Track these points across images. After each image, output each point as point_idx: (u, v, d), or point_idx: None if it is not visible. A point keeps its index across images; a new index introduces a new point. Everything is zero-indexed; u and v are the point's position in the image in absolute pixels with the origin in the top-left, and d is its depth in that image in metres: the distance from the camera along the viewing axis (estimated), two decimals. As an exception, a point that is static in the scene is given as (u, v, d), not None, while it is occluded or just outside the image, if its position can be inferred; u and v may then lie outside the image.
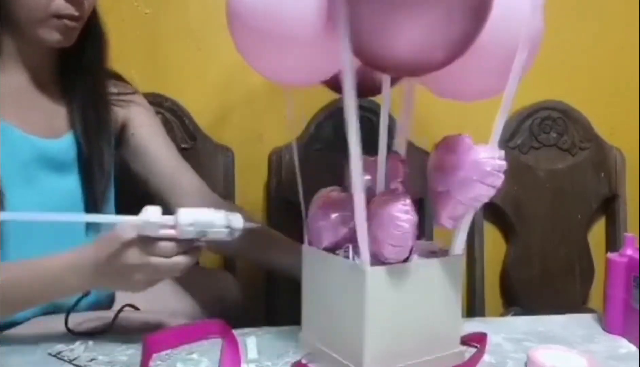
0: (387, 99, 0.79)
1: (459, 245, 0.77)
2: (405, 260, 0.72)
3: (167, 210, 1.01)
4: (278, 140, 1.33)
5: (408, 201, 0.70)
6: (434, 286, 0.75)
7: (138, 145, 1.03)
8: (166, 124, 1.28)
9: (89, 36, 0.93)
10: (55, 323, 0.85)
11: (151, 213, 0.72)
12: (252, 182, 1.36)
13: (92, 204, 0.95)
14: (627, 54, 1.48)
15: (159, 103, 1.28)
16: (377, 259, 0.71)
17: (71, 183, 0.94)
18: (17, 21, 0.85)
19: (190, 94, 1.32)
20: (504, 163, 0.71)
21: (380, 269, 0.70)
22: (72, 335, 0.82)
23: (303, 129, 1.35)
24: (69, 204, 0.94)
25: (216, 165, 1.31)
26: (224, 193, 1.28)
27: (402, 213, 0.68)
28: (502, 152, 0.72)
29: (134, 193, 1.17)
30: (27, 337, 0.82)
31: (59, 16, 0.85)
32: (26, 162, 0.88)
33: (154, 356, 0.77)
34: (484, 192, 0.71)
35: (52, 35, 0.86)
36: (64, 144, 0.93)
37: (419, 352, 0.74)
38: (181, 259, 0.74)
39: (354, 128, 0.64)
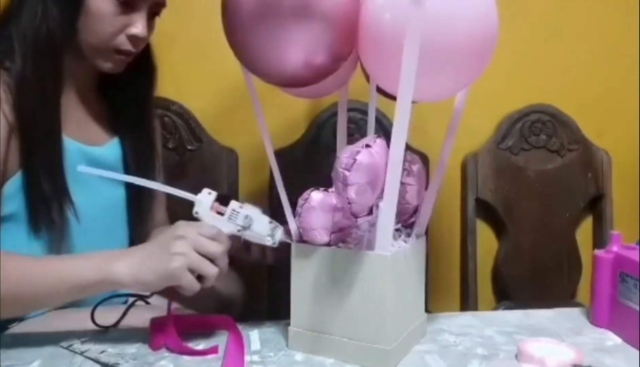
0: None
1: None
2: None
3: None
4: (280, 142, 1.34)
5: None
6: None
7: None
8: (173, 126, 1.31)
9: (139, 67, 0.98)
10: (68, 317, 0.88)
11: (206, 194, 0.79)
12: (255, 182, 1.37)
13: (135, 210, 1.01)
14: (615, 61, 1.50)
15: (166, 106, 1.30)
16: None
17: (116, 188, 0.99)
18: (81, 48, 0.90)
19: (196, 98, 1.34)
20: (352, 160, 0.75)
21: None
22: (97, 327, 0.84)
23: (304, 131, 1.37)
24: (114, 208, 0.99)
25: (221, 166, 1.33)
26: (228, 193, 1.31)
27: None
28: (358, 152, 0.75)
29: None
30: (40, 329, 0.85)
31: (119, 51, 0.91)
32: (73, 163, 0.90)
33: (162, 347, 0.80)
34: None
35: (106, 64, 0.92)
36: (108, 150, 0.99)
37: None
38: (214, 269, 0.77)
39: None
